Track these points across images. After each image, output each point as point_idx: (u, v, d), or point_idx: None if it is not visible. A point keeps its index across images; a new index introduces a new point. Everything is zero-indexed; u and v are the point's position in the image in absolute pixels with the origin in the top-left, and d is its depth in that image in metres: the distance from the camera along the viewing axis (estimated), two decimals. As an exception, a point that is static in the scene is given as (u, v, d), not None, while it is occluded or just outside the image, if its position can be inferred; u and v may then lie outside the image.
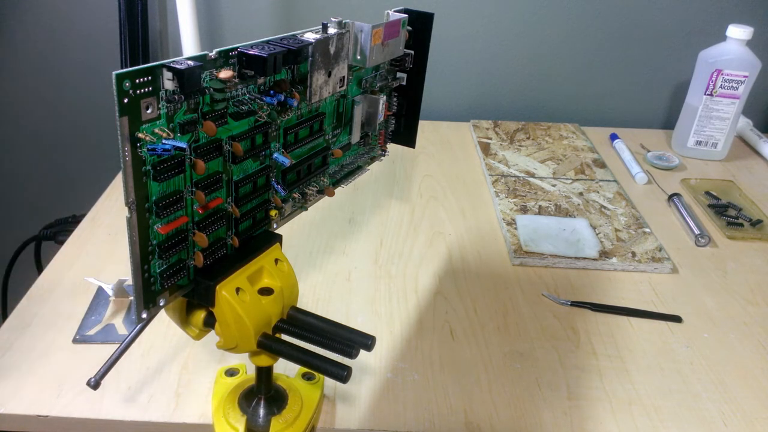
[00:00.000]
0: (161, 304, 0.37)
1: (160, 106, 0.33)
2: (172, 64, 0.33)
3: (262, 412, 0.47)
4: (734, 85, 0.94)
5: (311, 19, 1.06)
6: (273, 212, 0.44)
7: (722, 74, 0.94)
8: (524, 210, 0.82)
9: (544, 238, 0.75)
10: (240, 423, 0.46)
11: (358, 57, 0.46)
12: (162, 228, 0.35)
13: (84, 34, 1.07)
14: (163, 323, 0.58)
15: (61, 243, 0.72)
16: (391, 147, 0.58)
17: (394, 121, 0.57)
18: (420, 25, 0.52)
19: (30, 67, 1.10)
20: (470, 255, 0.73)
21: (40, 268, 1.01)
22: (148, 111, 0.32)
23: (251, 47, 0.38)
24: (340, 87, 0.46)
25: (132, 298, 0.60)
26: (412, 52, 0.53)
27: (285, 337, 0.42)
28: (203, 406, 0.52)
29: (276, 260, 0.43)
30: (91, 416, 0.50)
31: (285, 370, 0.53)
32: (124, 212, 0.33)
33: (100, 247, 0.72)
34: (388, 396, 0.54)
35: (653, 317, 0.65)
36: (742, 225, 0.82)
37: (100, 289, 0.64)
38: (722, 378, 0.58)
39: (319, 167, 0.48)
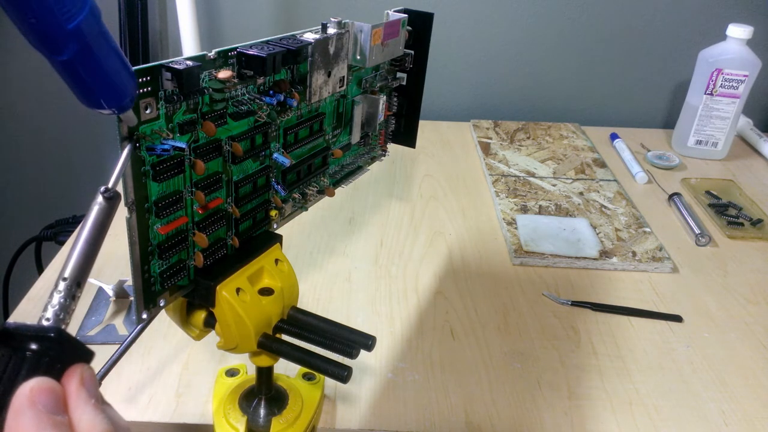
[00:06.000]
0: (161, 304, 0.37)
1: (159, 106, 0.33)
2: (171, 65, 0.33)
3: (262, 412, 0.47)
4: (734, 84, 0.94)
5: (311, 19, 1.06)
6: (273, 212, 0.44)
7: (722, 73, 0.94)
8: (524, 210, 0.82)
9: (544, 238, 0.75)
10: (240, 423, 0.46)
11: (358, 57, 0.46)
12: (162, 228, 0.35)
13: (84, 35, 1.07)
14: (164, 324, 0.58)
15: (62, 243, 0.73)
16: (391, 147, 0.58)
17: (394, 121, 0.57)
18: (420, 25, 0.52)
19: (30, 67, 1.10)
20: (470, 255, 0.73)
21: (40, 269, 1.00)
22: (147, 111, 0.32)
23: (250, 47, 0.38)
24: (339, 87, 0.45)
25: (132, 298, 0.60)
26: (412, 52, 0.53)
27: (285, 338, 0.42)
28: (204, 407, 0.52)
29: (276, 260, 0.43)
30: (91, 417, 0.50)
31: (285, 370, 0.53)
32: (124, 212, 0.33)
33: (101, 248, 0.72)
34: (389, 396, 0.54)
35: (654, 317, 0.65)
36: (742, 224, 0.82)
37: (100, 290, 0.64)
38: (723, 377, 0.58)
39: (319, 167, 0.48)
